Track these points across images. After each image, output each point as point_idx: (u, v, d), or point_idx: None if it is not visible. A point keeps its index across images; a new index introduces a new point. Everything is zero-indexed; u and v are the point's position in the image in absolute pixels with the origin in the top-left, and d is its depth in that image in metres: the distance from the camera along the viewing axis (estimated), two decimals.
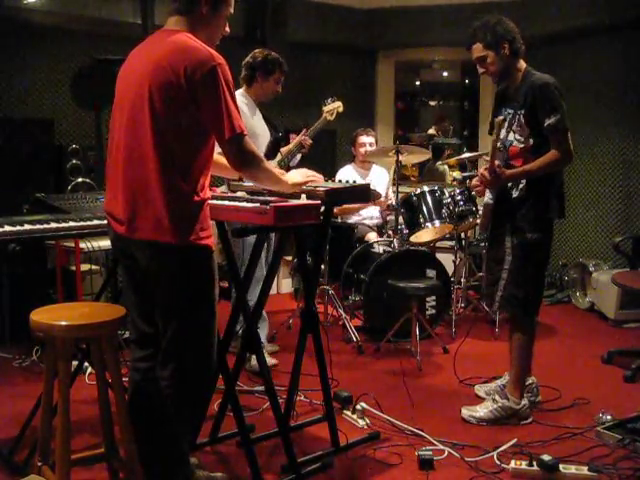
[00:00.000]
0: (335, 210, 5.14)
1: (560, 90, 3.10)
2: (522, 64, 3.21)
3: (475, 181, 3.32)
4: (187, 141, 2.19)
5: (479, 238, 5.72)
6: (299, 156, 4.14)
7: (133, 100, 2.20)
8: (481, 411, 3.25)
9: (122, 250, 2.34)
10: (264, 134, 3.94)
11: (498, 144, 3.15)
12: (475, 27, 3.18)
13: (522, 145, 3.14)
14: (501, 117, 3.14)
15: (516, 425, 3.21)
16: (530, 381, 3.41)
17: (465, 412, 3.27)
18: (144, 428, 2.38)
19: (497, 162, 3.10)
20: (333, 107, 4.15)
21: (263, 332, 4.01)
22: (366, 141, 5.24)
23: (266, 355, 4.16)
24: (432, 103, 9.86)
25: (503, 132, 3.18)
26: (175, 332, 2.26)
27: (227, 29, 2.38)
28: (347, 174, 5.11)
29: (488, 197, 3.23)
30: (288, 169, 3.67)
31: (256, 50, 4.00)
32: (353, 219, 5.22)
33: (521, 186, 3.15)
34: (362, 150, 5.20)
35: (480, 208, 3.35)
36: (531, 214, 3.15)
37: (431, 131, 8.76)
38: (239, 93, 3.81)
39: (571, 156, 3.13)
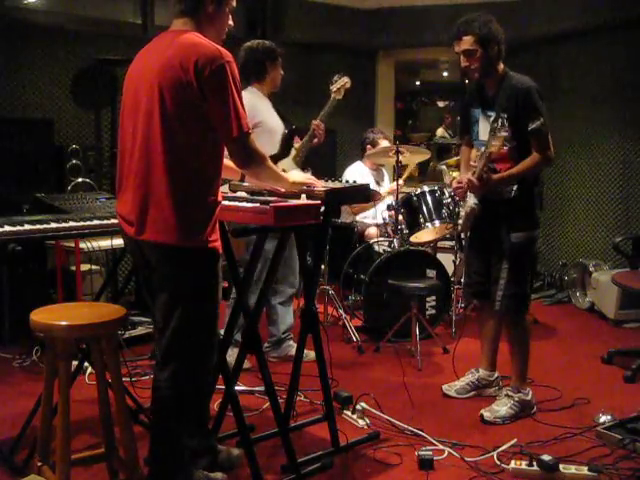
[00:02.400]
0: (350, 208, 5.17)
1: (541, 93, 3.15)
2: (501, 66, 3.24)
3: (456, 184, 3.35)
4: (198, 143, 2.20)
5: None
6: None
7: (146, 101, 2.21)
8: (502, 409, 3.26)
9: (134, 251, 2.36)
10: (280, 129, 3.88)
11: (482, 148, 3.17)
12: (468, 19, 3.18)
13: (505, 148, 3.15)
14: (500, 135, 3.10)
15: (516, 425, 3.22)
16: (496, 375, 3.55)
17: (487, 414, 3.25)
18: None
19: (484, 168, 3.13)
20: (341, 84, 3.93)
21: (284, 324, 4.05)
22: (386, 145, 5.20)
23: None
24: (440, 104, 9.86)
25: (487, 136, 3.20)
26: (176, 333, 2.26)
27: (231, 22, 2.39)
28: (358, 171, 5.09)
29: (473, 202, 3.21)
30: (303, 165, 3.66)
31: (248, 44, 3.90)
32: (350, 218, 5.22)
33: (514, 187, 3.19)
34: None
35: (461, 210, 3.39)
36: (524, 213, 3.24)
37: (440, 130, 8.78)
38: (248, 92, 3.74)
39: (552, 158, 3.20)
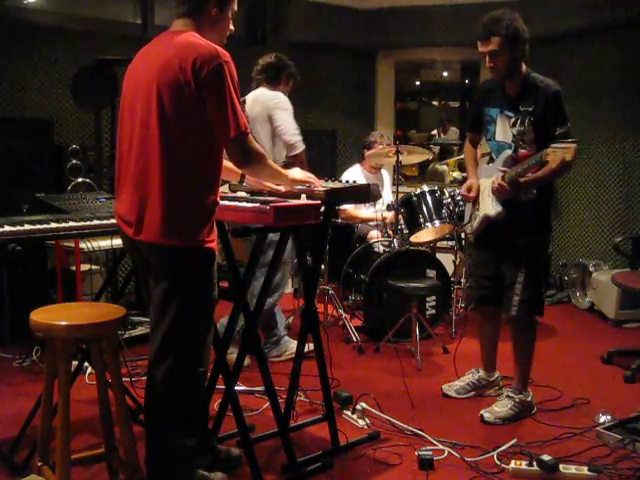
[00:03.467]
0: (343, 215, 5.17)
1: (566, 97, 3.12)
2: (523, 66, 3.19)
3: (465, 190, 3.34)
4: (196, 143, 2.20)
5: None
6: None
7: (144, 101, 2.21)
8: (502, 410, 3.25)
9: (132, 252, 2.36)
10: None
11: (509, 151, 3.15)
12: (495, 19, 3.09)
13: (525, 150, 3.13)
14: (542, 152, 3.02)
15: (516, 425, 3.22)
16: (496, 375, 3.56)
17: (488, 415, 3.24)
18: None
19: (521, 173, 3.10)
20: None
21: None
22: (381, 147, 5.21)
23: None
24: (435, 103, 9.86)
25: (509, 136, 3.17)
26: (169, 330, 2.26)
27: (232, 26, 2.40)
28: (355, 175, 5.10)
29: (498, 208, 3.17)
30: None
31: (274, 54, 4.08)
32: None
33: (531, 191, 3.15)
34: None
35: (475, 212, 3.35)
36: (539, 217, 3.22)
37: (434, 132, 8.77)
38: (280, 94, 3.98)
39: (573, 163, 3.13)
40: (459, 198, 4.50)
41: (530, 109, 3.09)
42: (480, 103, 3.35)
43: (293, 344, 4.11)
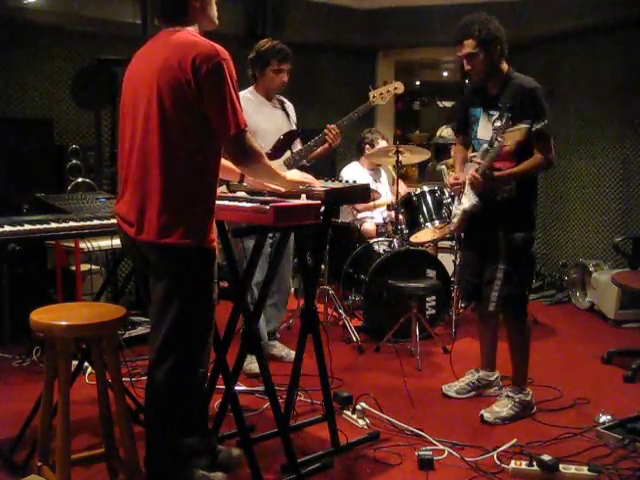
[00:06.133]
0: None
1: (546, 96, 3.15)
2: (505, 65, 3.23)
3: (453, 181, 3.34)
4: (196, 142, 2.20)
5: None
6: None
7: (145, 101, 2.21)
8: (502, 410, 3.26)
9: (132, 252, 2.36)
10: (274, 132, 3.82)
11: (485, 145, 3.17)
12: (467, 22, 3.17)
13: (506, 147, 3.16)
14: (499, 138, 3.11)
15: (516, 425, 3.21)
16: (496, 375, 3.57)
17: (488, 415, 3.24)
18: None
19: (490, 165, 3.13)
20: (386, 90, 3.59)
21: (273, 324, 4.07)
22: (385, 146, 5.22)
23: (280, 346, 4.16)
24: (447, 103, 9.86)
25: (490, 133, 3.20)
26: (171, 330, 2.25)
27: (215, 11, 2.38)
28: (355, 171, 5.09)
29: (475, 200, 3.18)
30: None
31: (259, 42, 3.90)
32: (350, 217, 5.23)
33: (509, 187, 3.19)
34: None
35: (454, 209, 3.35)
36: (521, 214, 3.23)
37: (446, 131, 8.76)
38: (247, 91, 3.86)
39: (553, 161, 3.21)
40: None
41: (508, 105, 3.14)
42: (466, 104, 3.41)
43: (277, 349, 4.13)
